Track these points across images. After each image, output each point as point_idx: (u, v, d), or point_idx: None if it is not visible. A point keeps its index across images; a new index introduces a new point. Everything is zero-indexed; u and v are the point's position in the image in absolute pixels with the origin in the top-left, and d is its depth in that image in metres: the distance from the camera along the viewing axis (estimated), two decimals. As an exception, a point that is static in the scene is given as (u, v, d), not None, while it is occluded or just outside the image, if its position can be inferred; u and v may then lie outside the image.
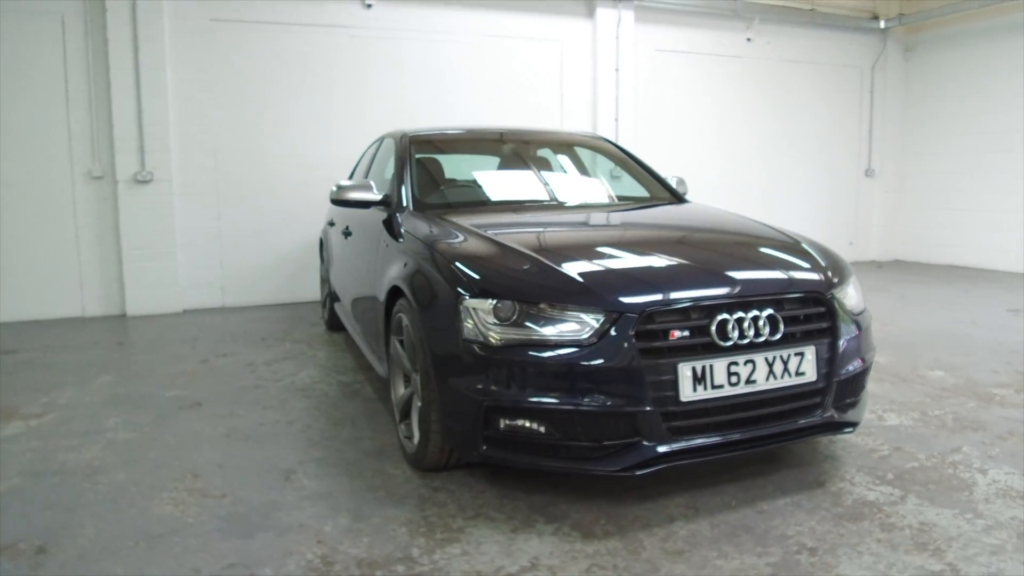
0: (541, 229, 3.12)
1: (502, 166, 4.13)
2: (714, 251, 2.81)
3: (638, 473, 2.27)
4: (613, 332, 2.27)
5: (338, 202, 3.61)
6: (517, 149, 4.18)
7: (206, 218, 6.39)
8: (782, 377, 2.43)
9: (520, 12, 7.30)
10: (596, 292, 2.33)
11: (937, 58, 8.82)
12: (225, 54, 6.28)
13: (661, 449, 2.28)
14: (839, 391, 2.58)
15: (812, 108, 8.94)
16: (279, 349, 4.94)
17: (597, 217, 3.51)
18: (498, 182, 3.98)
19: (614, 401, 2.26)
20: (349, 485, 2.71)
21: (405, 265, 2.92)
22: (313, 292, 6.83)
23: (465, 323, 2.39)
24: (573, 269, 2.48)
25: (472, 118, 7.08)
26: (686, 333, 2.33)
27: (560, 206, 3.69)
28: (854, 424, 2.64)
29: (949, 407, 3.55)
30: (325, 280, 5.55)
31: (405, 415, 2.97)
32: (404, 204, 3.44)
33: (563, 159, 4.22)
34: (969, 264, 8.57)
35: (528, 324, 2.33)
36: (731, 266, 2.59)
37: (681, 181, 4.19)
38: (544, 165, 4.09)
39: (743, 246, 2.91)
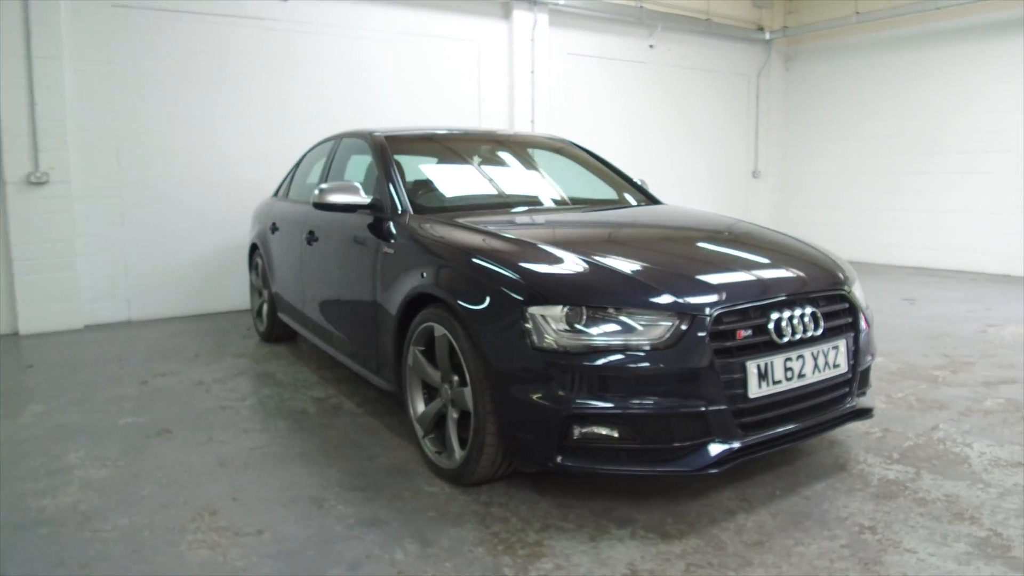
0: (570, 231, 3.10)
1: (485, 168, 4.05)
2: (752, 252, 2.89)
3: (713, 472, 2.32)
4: (688, 334, 2.30)
5: (322, 206, 3.40)
6: (495, 151, 4.12)
7: (109, 223, 5.78)
8: (824, 370, 2.57)
9: (438, 11, 7.18)
10: (669, 295, 2.35)
11: (815, 68, 9.63)
12: (131, 44, 5.70)
13: (735, 445, 2.33)
14: (860, 381, 2.77)
15: (708, 112, 9.48)
16: (222, 365, 4.56)
17: (613, 218, 3.49)
18: (488, 184, 3.90)
19: (691, 401, 2.29)
20: (392, 508, 2.56)
21: (425, 274, 2.80)
22: (231, 301, 6.37)
23: (534, 331, 2.33)
24: (637, 272, 2.48)
25: (394, 117, 6.89)
26: (750, 332, 2.41)
27: (564, 207, 3.68)
28: (871, 410, 2.84)
29: (907, 390, 3.90)
30: (260, 288, 5.19)
31: (431, 429, 2.85)
32: (399, 208, 3.28)
33: (539, 160, 4.20)
34: (849, 259, 9.43)
35: (602, 329, 2.31)
36: (777, 267, 2.71)
37: (644, 183, 4.31)
38: (527, 167, 4.06)
39: (773, 247, 3.01)
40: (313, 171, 4.88)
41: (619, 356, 2.28)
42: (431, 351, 2.83)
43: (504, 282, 2.48)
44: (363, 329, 3.37)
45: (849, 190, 9.34)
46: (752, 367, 2.37)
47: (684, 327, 2.30)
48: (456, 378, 2.68)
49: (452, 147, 4.06)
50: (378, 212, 3.36)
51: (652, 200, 4.09)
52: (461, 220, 3.13)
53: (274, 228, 4.81)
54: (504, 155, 4.13)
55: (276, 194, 5.30)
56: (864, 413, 2.79)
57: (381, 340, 3.17)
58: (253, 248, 5.34)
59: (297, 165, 5.10)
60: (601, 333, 2.30)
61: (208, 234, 6.25)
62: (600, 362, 2.28)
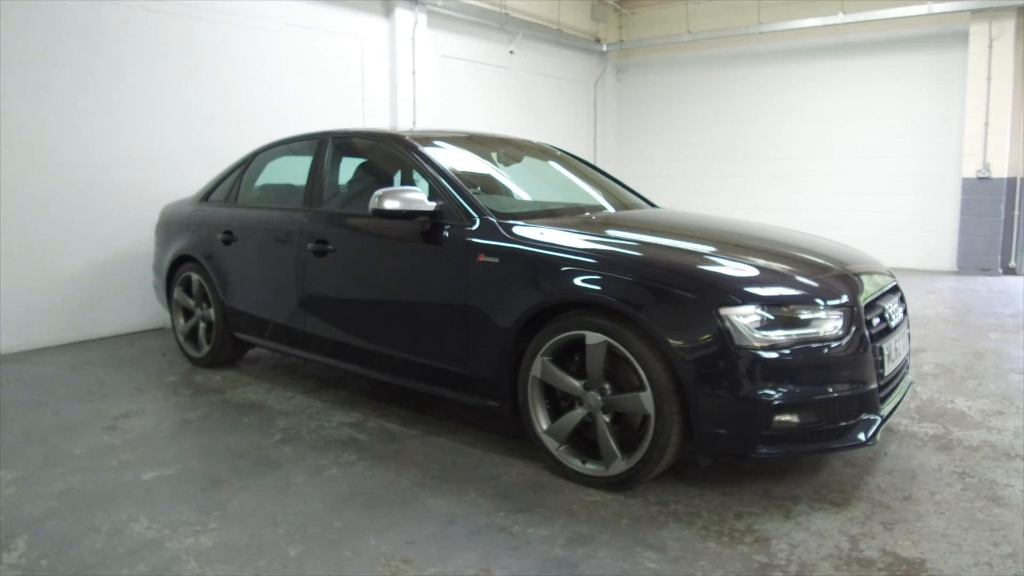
0: (684, 233, 3.18)
1: (514, 171, 3.98)
2: (841, 251, 3.22)
3: (872, 443, 2.64)
4: (853, 325, 2.60)
5: (383, 213, 3.16)
6: (511, 155, 4.08)
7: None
8: (903, 353, 3.04)
9: (323, 3, 6.76)
10: (832, 292, 2.63)
11: (646, 80, 10.62)
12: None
13: (881, 416, 2.68)
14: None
15: (558, 117, 10.01)
16: (185, 399, 3.96)
17: (689, 220, 3.60)
18: (531, 188, 3.85)
19: (857, 384, 2.59)
20: (582, 522, 2.53)
21: (560, 283, 2.77)
22: (115, 324, 5.47)
23: (732, 331, 2.47)
24: (795, 271, 2.72)
25: (280, 111, 6.37)
26: (878, 320, 2.78)
27: (627, 210, 3.76)
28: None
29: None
30: (195, 307, 4.55)
31: (568, 439, 2.83)
32: (477, 214, 3.15)
33: (552, 165, 4.23)
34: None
35: (789, 325, 2.51)
36: (870, 262, 3.12)
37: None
38: (548, 171, 4.07)
39: (841, 246, 3.37)
40: (279, 174, 4.42)
41: (805, 349, 2.51)
42: (559, 361, 2.81)
43: (692, 286, 2.57)
44: (444, 345, 3.19)
45: (680, 193, 10.46)
46: (885, 349, 2.74)
47: (848, 319, 2.60)
48: (608, 385, 2.71)
49: (476, 151, 3.95)
50: (445, 219, 3.20)
51: (651, 204, 4.29)
52: (563, 225, 3.13)
53: (229, 237, 4.25)
54: (526, 160, 4.12)
55: (206, 199, 4.67)
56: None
57: (482, 354, 3.04)
58: (179, 261, 4.65)
59: (243, 165, 4.54)
60: (789, 329, 2.51)
61: (81, 249, 5.29)
62: (791, 356, 2.49)
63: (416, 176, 3.84)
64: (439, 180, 3.34)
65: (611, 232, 3.12)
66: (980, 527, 2.47)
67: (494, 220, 3.12)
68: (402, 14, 7.43)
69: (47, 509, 2.66)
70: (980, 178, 7.70)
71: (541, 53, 9.54)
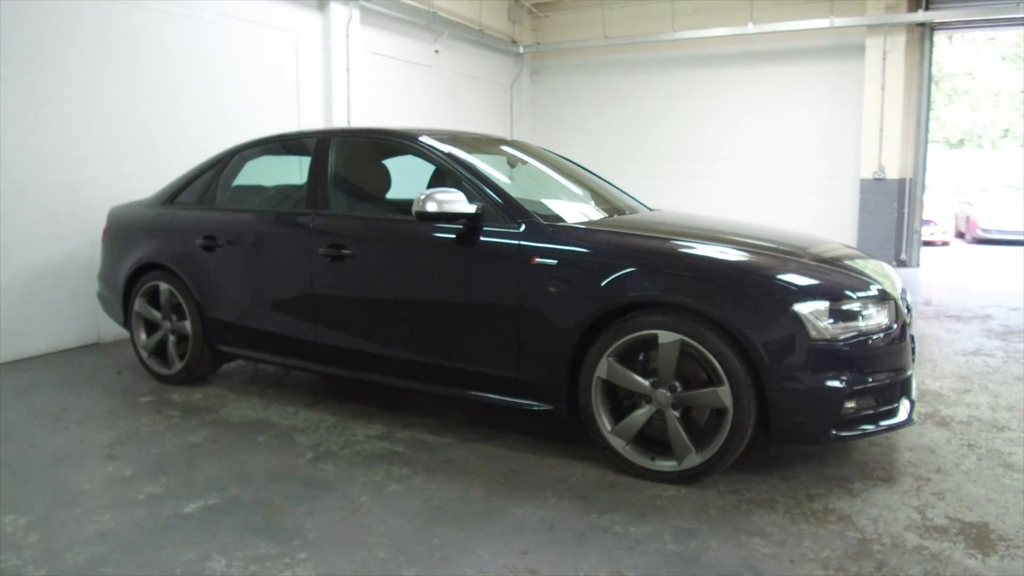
0: (724, 234, 3.28)
1: (529, 172, 3.95)
2: (852, 250, 3.48)
3: (912, 422, 2.88)
4: (896, 316, 2.83)
5: (427, 215, 3.08)
6: (516, 156, 4.05)
7: None
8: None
9: (256, -8, 6.39)
10: (881, 286, 2.84)
11: (557, 81, 10.81)
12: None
13: (913, 398, 2.93)
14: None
15: (477, 117, 9.98)
16: (179, 422, 3.64)
17: (719, 223, 3.69)
18: (552, 189, 3.83)
19: (903, 369, 2.83)
20: (678, 518, 2.60)
21: (632, 284, 2.82)
22: (50, 341, 4.93)
23: (808, 326, 2.61)
24: (848, 268, 2.91)
25: (219, 107, 5.97)
26: (906, 311, 3.03)
27: (651, 213, 3.84)
28: None
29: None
30: (162, 320, 4.18)
31: (635, 438, 2.88)
32: (520, 217, 3.12)
33: (555, 166, 4.22)
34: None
35: (854, 318, 2.70)
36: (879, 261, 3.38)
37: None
38: (554, 172, 4.06)
39: (848, 246, 3.62)
40: (265, 175, 4.14)
41: (864, 339, 2.70)
42: (624, 360, 2.86)
43: (767, 285, 2.70)
44: (491, 349, 3.14)
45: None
46: (914, 338, 3.00)
47: (894, 311, 2.82)
48: (678, 382, 2.78)
49: (484, 152, 3.89)
50: (485, 222, 3.15)
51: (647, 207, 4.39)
52: (615, 227, 3.18)
53: (211, 243, 3.94)
54: (531, 161, 4.10)
55: (171, 201, 4.30)
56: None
57: (538, 357, 3.02)
58: (142, 269, 4.24)
59: (217, 165, 4.20)
60: (850, 322, 2.69)
61: (8, 256, 4.70)
62: (854, 346, 2.68)
63: (429, 177, 3.75)
64: (476, 182, 3.28)
65: (663, 234, 3.19)
66: (1011, 491, 2.77)
67: (543, 222, 3.11)
68: (337, 8, 7.15)
69: (94, 555, 2.37)
70: (876, 179, 8.50)
71: (464, 53, 9.49)
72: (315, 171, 3.78)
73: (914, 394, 2.97)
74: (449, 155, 3.44)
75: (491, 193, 3.23)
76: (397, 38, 8.29)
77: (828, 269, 2.88)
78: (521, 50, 10.43)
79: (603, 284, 2.87)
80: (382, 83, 8.12)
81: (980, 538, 2.42)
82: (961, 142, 22.48)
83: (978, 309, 6.28)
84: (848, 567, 2.25)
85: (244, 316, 3.91)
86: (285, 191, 4.07)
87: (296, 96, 6.93)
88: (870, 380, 2.71)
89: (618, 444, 2.91)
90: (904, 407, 2.86)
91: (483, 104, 10.09)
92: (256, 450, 3.24)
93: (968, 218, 13.63)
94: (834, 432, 2.68)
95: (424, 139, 3.56)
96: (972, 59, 20.41)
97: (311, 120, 7.08)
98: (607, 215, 3.58)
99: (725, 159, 9.66)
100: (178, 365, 4.18)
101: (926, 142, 8.75)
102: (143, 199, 4.58)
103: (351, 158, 3.84)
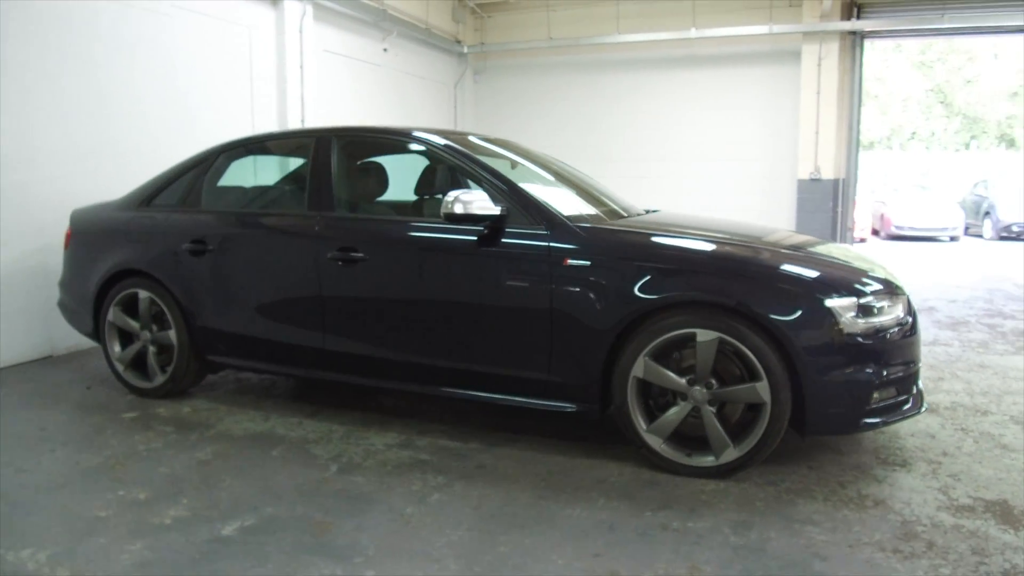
0: (744, 235, 3.36)
1: (536, 175, 3.93)
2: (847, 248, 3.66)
3: (923, 410, 3.06)
4: (910, 311, 2.99)
5: (457, 217, 3.04)
6: (517, 158, 4.03)
7: None
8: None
9: (208, -16, 6.10)
10: (896, 282, 3.00)
11: (500, 82, 10.82)
12: None
13: (921, 388, 3.10)
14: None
15: (424, 117, 9.87)
16: (178, 438, 3.43)
17: (718, 222, 3.78)
18: (565, 192, 3.81)
19: (914, 361, 2.99)
20: (729, 512, 2.66)
21: (673, 284, 2.88)
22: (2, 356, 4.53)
23: (841, 321, 2.73)
24: (866, 267, 3.05)
25: (173, 104, 5.67)
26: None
27: (665, 214, 3.89)
28: None
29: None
30: (149, 331, 3.93)
31: (671, 436, 2.94)
32: (546, 219, 3.12)
33: (547, 167, 4.21)
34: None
35: (878, 313, 2.83)
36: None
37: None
38: (556, 172, 4.06)
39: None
40: (256, 176, 3.96)
41: (891, 332, 2.85)
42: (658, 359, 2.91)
43: (803, 283, 2.81)
44: (520, 351, 3.12)
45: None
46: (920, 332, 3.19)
47: (907, 306, 2.99)
48: (714, 380, 2.85)
49: (492, 154, 3.84)
50: (510, 223, 3.13)
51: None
52: (645, 227, 3.24)
53: (200, 247, 3.74)
54: (523, 162, 4.08)
55: (148, 203, 4.05)
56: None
57: (571, 358, 3.03)
58: (117, 276, 3.98)
59: (200, 166, 3.98)
60: (875, 317, 2.83)
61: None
62: (882, 338, 2.82)
63: (443, 177, 3.68)
64: (498, 184, 3.24)
65: (692, 234, 3.26)
66: (1015, 469, 2.99)
67: (571, 223, 3.11)
68: (290, 4, 6.91)
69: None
70: (812, 179, 8.95)
71: (411, 52, 9.37)
72: (317, 172, 3.64)
73: (921, 384, 3.15)
74: (467, 156, 3.40)
75: (517, 195, 3.21)
76: (348, 36, 8.11)
77: (851, 267, 3.02)
78: (465, 50, 10.39)
79: (641, 285, 2.90)
80: (334, 81, 7.91)
81: (1005, 514, 2.60)
82: (872, 144, 24.00)
83: (920, 302, 6.71)
84: (902, 548, 2.37)
85: (239, 324, 3.72)
86: (280, 193, 3.91)
87: (251, 93, 6.66)
88: (893, 371, 2.85)
89: (655, 442, 2.95)
90: (916, 397, 3.03)
91: (428, 104, 10.00)
92: (274, 465, 3.10)
93: (883, 216, 14.55)
94: (864, 421, 2.81)
95: (434, 138, 3.51)
96: (882, 66, 21.86)
97: (265, 118, 6.82)
98: (616, 216, 3.61)
99: (669, 160, 9.93)
100: (160, 378, 3.95)
101: (858, 144, 9.29)
102: (112, 201, 4.29)
103: (355, 158, 3.73)
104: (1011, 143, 23.54)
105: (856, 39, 8.84)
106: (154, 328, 3.95)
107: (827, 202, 8.95)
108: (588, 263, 3.00)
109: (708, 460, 2.90)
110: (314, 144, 3.71)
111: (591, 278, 2.98)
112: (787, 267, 2.89)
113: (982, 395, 3.96)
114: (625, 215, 3.64)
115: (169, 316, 3.87)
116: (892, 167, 21.92)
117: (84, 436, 3.46)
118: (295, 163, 4.14)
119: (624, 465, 3.05)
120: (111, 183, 4.70)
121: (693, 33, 9.16)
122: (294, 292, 3.57)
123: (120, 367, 4.05)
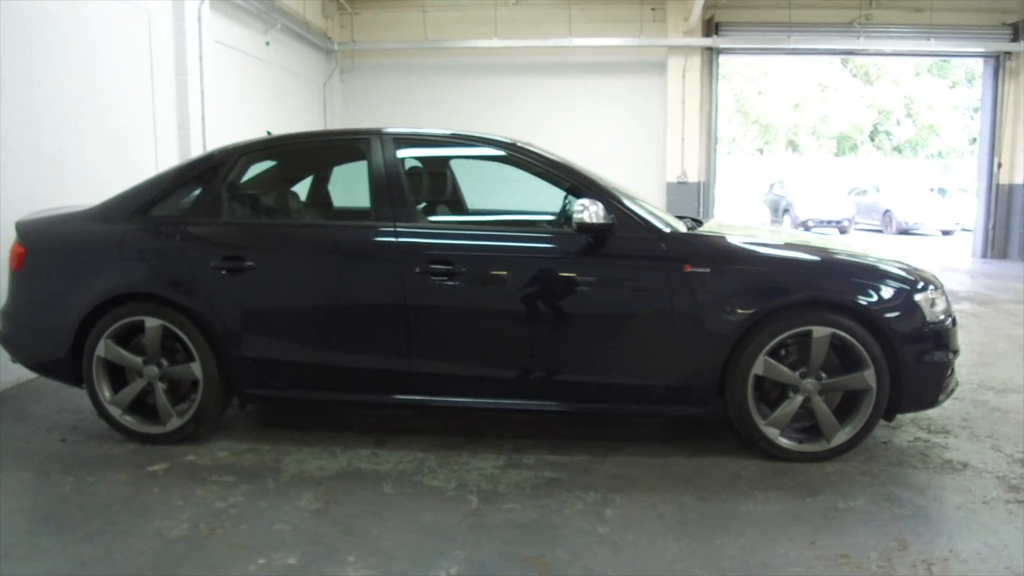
0: (792, 239, 3.65)
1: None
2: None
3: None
4: (948, 302, 3.51)
5: (588, 227, 3.05)
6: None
7: None
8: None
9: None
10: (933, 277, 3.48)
11: (370, 82, 10.41)
12: None
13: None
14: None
15: (299, 116, 9.25)
16: (254, 490, 2.99)
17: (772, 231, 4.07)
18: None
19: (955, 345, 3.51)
20: (871, 488, 2.95)
21: (782, 289, 3.13)
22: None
23: (926, 312, 3.14)
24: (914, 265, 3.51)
25: (68, 92, 4.85)
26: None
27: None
28: None
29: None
30: (157, 366, 3.35)
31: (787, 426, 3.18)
32: (659, 227, 3.22)
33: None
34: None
35: (939, 304, 3.29)
36: None
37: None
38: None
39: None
40: (299, 182, 3.54)
41: (947, 321, 3.32)
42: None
43: (897, 280, 3.19)
44: (640, 359, 3.18)
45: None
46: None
47: (948, 298, 3.50)
48: (822, 371, 3.14)
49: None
50: (617, 232, 3.17)
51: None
52: (746, 235, 3.46)
53: (237, 264, 3.29)
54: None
55: (144, 212, 3.45)
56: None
57: (694, 362, 3.14)
58: (106, 305, 3.34)
59: (216, 168, 3.45)
60: (939, 307, 3.29)
61: None
62: (945, 327, 3.28)
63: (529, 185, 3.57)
64: (606, 193, 3.27)
65: (785, 242, 3.55)
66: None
67: (685, 232, 3.22)
68: (189, -12, 6.14)
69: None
70: (680, 183, 9.79)
71: (288, 47, 8.73)
72: (376, 178, 3.36)
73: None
74: (568, 166, 3.42)
75: (626, 205, 3.25)
76: (235, 26, 7.40)
77: (914, 267, 3.46)
78: (335, 47, 9.90)
79: (764, 289, 3.10)
80: (222, 76, 7.14)
81: (1054, 461, 3.18)
82: (760, 150, 27.50)
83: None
84: (1021, 497, 2.81)
85: (294, 351, 3.33)
86: (326, 200, 3.54)
87: (151, 88, 5.83)
88: (952, 354, 3.33)
89: (773, 434, 3.16)
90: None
91: (302, 102, 9.41)
92: (405, 504, 2.83)
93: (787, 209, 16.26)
94: (940, 397, 3.26)
95: (523, 145, 3.44)
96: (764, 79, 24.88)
97: (162, 117, 5.99)
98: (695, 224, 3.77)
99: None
100: (175, 420, 3.39)
101: (715, 150, 10.32)
102: (77, 210, 3.60)
103: (425, 164, 3.50)
104: (795, 148, 27.79)
105: (713, 55, 9.83)
106: (164, 363, 3.38)
107: (693, 203, 9.85)
108: (708, 270, 3.13)
109: (820, 445, 3.17)
110: (367, 146, 3.46)
111: (714, 284, 3.12)
112: (885, 268, 3.26)
113: (977, 372, 4.61)
114: (693, 225, 3.84)
115: (192, 347, 3.33)
116: (783, 167, 24.81)
117: (124, 499, 2.88)
118: (342, 168, 3.77)
119: (739, 459, 3.22)
120: (15, 184, 3.91)
121: (570, 42, 9.56)
122: (372, 313, 3.27)
123: (117, 412, 3.41)
